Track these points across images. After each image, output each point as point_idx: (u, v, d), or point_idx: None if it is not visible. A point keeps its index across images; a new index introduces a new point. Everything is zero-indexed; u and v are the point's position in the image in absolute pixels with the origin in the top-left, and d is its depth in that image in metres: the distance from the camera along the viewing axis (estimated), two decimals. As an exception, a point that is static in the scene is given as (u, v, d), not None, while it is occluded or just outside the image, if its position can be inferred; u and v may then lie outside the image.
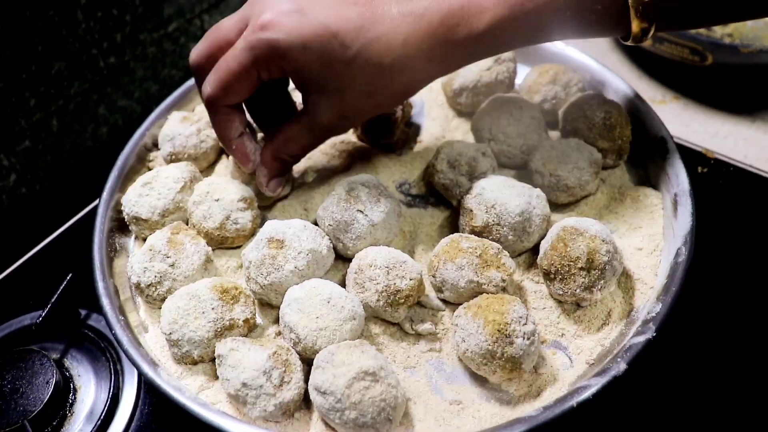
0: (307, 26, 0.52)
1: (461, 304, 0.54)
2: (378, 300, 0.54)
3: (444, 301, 0.58)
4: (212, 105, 0.58)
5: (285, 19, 0.52)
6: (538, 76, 0.71)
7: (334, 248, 0.59)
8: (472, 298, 0.54)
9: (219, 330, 0.53)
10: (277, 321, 0.57)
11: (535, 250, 0.60)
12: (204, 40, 0.58)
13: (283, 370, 0.50)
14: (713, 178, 0.77)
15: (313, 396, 0.49)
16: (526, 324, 0.51)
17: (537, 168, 0.63)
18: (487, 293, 0.54)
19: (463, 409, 0.52)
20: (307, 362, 0.53)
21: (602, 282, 0.54)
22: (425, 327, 0.56)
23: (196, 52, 0.59)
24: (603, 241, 0.54)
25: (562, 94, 0.70)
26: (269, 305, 0.58)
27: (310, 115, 0.57)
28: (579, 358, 0.54)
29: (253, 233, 0.63)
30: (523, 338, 0.50)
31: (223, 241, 0.62)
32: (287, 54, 0.53)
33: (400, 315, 0.55)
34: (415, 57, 0.53)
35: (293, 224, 0.57)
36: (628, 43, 0.55)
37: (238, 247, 0.63)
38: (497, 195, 0.58)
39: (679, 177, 0.61)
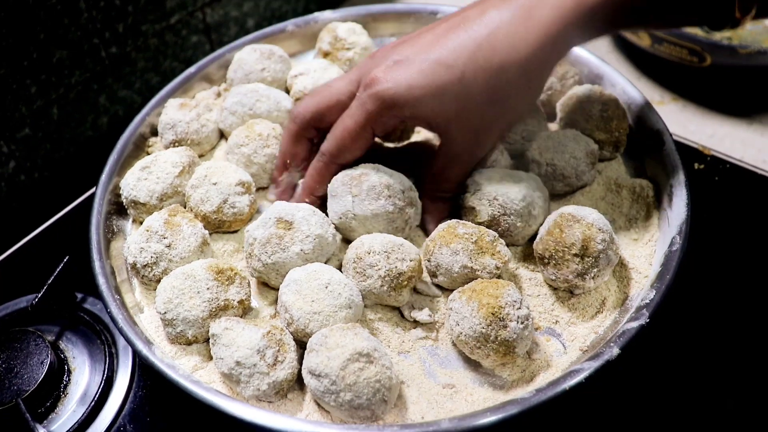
0: (412, 68, 0.54)
1: (455, 289, 0.55)
2: (382, 285, 0.54)
3: (438, 286, 0.58)
4: (331, 162, 0.60)
5: (390, 71, 0.55)
6: None
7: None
8: (466, 284, 0.54)
9: (213, 310, 0.53)
10: (273, 303, 0.57)
11: (533, 238, 0.60)
12: (315, 96, 0.61)
13: (276, 350, 0.50)
14: (710, 174, 0.77)
15: (307, 379, 0.49)
16: (520, 308, 0.51)
17: (533, 157, 0.63)
18: (481, 279, 0.54)
19: (456, 392, 0.52)
20: (300, 344, 0.53)
21: (595, 270, 0.53)
22: (423, 317, 0.56)
23: (304, 106, 0.61)
24: (599, 229, 0.54)
25: (557, 85, 0.70)
26: (267, 287, 0.58)
27: (446, 146, 0.58)
28: (573, 344, 0.54)
29: (250, 218, 0.63)
30: (517, 322, 0.50)
31: (220, 225, 0.62)
32: (397, 100, 0.54)
33: (403, 298, 0.55)
34: (521, 46, 0.53)
35: (302, 207, 0.58)
36: (719, 30, 0.56)
37: (235, 231, 0.63)
38: (496, 187, 0.58)
39: (674, 168, 0.61)
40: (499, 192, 0.58)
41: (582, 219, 0.55)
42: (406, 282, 0.54)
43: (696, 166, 0.78)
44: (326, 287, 0.53)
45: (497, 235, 0.57)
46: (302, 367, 0.50)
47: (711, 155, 0.79)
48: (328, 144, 0.59)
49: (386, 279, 0.54)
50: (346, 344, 0.49)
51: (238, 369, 0.50)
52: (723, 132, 0.91)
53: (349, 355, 0.48)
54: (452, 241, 0.55)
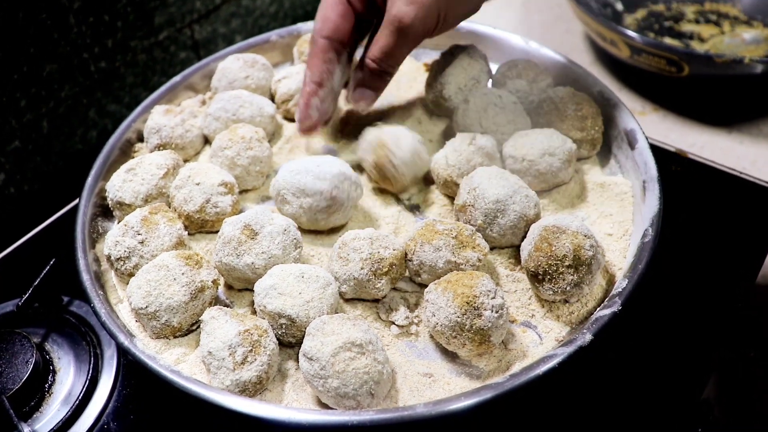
0: None
1: None
2: (362, 269, 0.55)
3: (420, 285, 0.59)
4: (313, 39, 0.63)
5: None
6: (507, 70, 0.73)
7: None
8: None
9: (193, 292, 0.54)
10: None
11: (515, 249, 0.61)
12: (332, 20, 0.64)
13: (248, 349, 0.51)
14: (686, 176, 0.78)
15: (302, 361, 0.50)
16: (494, 297, 0.52)
17: (510, 153, 0.64)
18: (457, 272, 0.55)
19: (434, 381, 0.53)
20: (300, 342, 0.53)
21: (590, 277, 0.54)
22: (400, 320, 0.56)
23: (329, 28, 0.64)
24: (585, 236, 0.54)
25: (527, 87, 0.72)
26: None
27: (388, 14, 0.60)
28: (548, 335, 0.55)
29: None
30: (492, 311, 0.51)
31: (203, 225, 0.63)
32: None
33: (382, 287, 0.56)
34: None
35: (277, 221, 0.58)
36: None
37: (218, 231, 0.64)
38: (482, 180, 0.59)
39: (647, 164, 0.62)
40: (481, 186, 0.59)
41: (567, 229, 0.55)
42: (387, 269, 0.55)
43: (673, 168, 0.79)
44: (302, 277, 0.54)
45: (474, 229, 0.58)
46: (300, 350, 0.51)
47: (687, 158, 0.80)
48: (315, 23, 0.64)
49: (367, 262, 0.55)
50: (341, 332, 0.50)
51: (209, 359, 0.51)
52: (703, 140, 0.93)
53: (341, 343, 0.49)
54: (433, 238, 0.56)
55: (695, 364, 0.61)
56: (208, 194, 0.62)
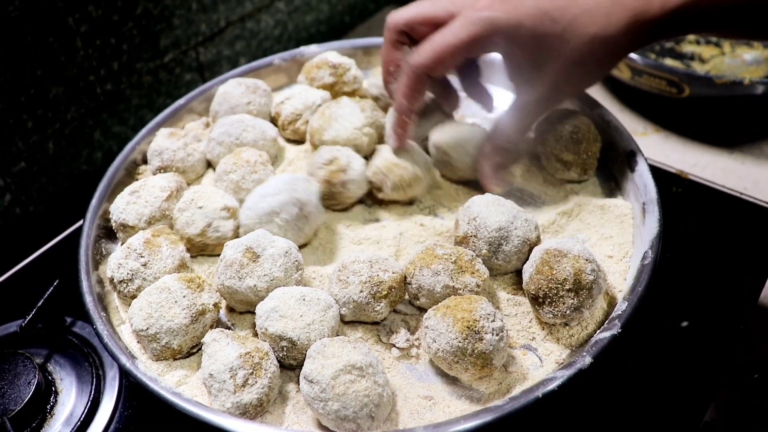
0: (522, 8, 0.58)
1: None
2: (361, 291, 0.55)
3: (419, 308, 0.59)
4: (416, 74, 0.62)
5: (502, 3, 0.58)
6: None
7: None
8: None
9: (194, 315, 0.55)
10: None
11: (516, 273, 0.61)
12: (410, 8, 0.64)
13: (249, 372, 0.51)
14: (687, 197, 0.79)
15: (302, 384, 0.51)
16: (494, 320, 0.52)
17: (434, 141, 0.69)
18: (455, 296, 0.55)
19: (434, 404, 0.53)
20: (301, 365, 0.54)
21: (590, 301, 0.54)
22: (401, 342, 0.57)
23: (399, 14, 0.65)
24: (587, 260, 0.55)
25: None
26: None
27: (521, 96, 0.62)
28: (549, 358, 0.55)
29: None
30: (492, 334, 0.51)
31: (204, 248, 0.64)
32: (505, 30, 0.58)
33: (382, 311, 0.56)
34: (615, 29, 0.56)
35: (278, 244, 0.59)
36: None
37: (218, 255, 0.65)
38: (482, 209, 0.60)
39: (647, 186, 0.63)
40: (481, 215, 0.60)
41: (568, 253, 0.55)
42: (386, 292, 0.56)
43: (674, 189, 0.79)
44: (303, 300, 0.54)
45: (474, 254, 0.58)
46: (300, 373, 0.51)
47: (688, 179, 0.80)
48: (421, 57, 0.61)
49: (366, 285, 0.55)
50: (342, 355, 0.50)
51: (210, 381, 0.51)
52: (705, 161, 0.93)
53: (342, 365, 0.49)
54: (432, 263, 0.56)
55: (697, 386, 0.61)
56: (210, 218, 0.63)
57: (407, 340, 0.57)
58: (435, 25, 0.61)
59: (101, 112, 0.91)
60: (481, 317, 0.51)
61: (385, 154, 0.67)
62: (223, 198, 0.65)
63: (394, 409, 0.52)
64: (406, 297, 0.59)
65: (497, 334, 0.51)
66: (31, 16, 0.78)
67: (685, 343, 0.64)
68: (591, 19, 0.57)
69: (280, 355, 0.54)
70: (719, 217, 0.77)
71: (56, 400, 0.62)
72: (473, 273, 0.56)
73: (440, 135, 0.68)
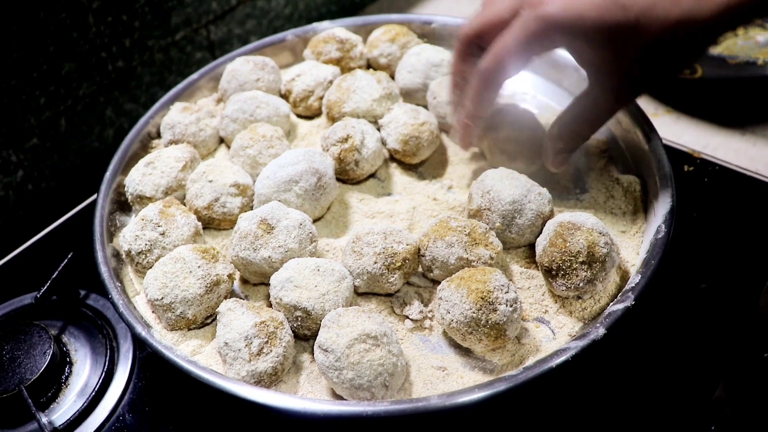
0: (584, 1, 0.52)
1: None
2: (375, 263, 0.56)
3: (433, 281, 0.59)
4: (481, 79, 0.59)
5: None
6: (381, 34, 0.80)
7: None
8: None
9: (209, 285, 0.55)
10: None
11: (530, 247, 0.61)
12: (478, 17, 0.60)
13: (264, 341, 0.51)
14: (699, 176, 0.79)
15: (317, 353, 0.51)
16: (508, 292, 0.52)
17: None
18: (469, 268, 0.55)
19: (447, 375, 0.53)
20: (315, 335, 0.54)
21: (603, 274, 0.54)
22: (414, 314, 0.57)
23: (470, 26, 0.60)
24: (600, 233, 0.55)
25: (398, 53, 0.78)
26: None
27: (592, 90, 0.57)
28: (561, 331, 0.55)
29: None
30: (506, 305, 0.51)
31: (209, 222, 0.64)
32: (564, 25, 0.53)
33: (395, 282, 0.56)
34: (707, 11, 0.50)
35: (292, 216, 0.59)
36: None
37: (225, 229, 0.65)
38: (495, 183, 0.60)
39: (660, 162, 0.63)
40: (494, 188, 0.60)
41: (582, 225, 0.55)
42: (400, 263, 0.56)
43: (686, 168, 0.79)
44: (318, 270, 0.55)
45: (487, 227, 0.58)
46: (315, 342, 0.52)
47: (700, 158, 0.80)
48: (485, 62, 0.58)
49: (380, 256, 0.55)
50: (356, 325, 0.50)
51: (225, 350, 0.52)
52: (716, 142, 0.93)
53: (357, 335, 0.49)
54: (446, 234, 0.56)
55: (708, 362, 0.61)
56: (218, 193, 0.63)
57: (420, 311, 0.57)
58: (502, 27, 0.57)
59: (113, 89, 0.91)
60: (495, 288, 0.52)
61: (403, 120, 0.68)
62: (235, 174, 0.65)
63: (407, 379, 0.53)
64: (420, 270, 0.59)
65: (511, 305, 0.52)
66: (44, -9, 0.78)
67: (696, 319, 0.64)
68: (674, 1, 0.50)
69: (295, 325, 0.54)
70: (731, 195, 0.76)
71: (71, 371, 0.62)
72: (487, 245, 0.56)
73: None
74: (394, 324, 0.57)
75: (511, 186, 0.59)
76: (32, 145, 0.84)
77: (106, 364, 0.63)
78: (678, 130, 0.94)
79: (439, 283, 0.57)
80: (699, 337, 0.63)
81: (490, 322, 0.51)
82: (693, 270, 0.68)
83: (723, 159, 0.89)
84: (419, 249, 0.58)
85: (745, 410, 0.63)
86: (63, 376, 0.62)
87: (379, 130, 0.71)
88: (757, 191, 0.77)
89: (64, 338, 0.65)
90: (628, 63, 0.53)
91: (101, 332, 0.65)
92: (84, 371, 0.63)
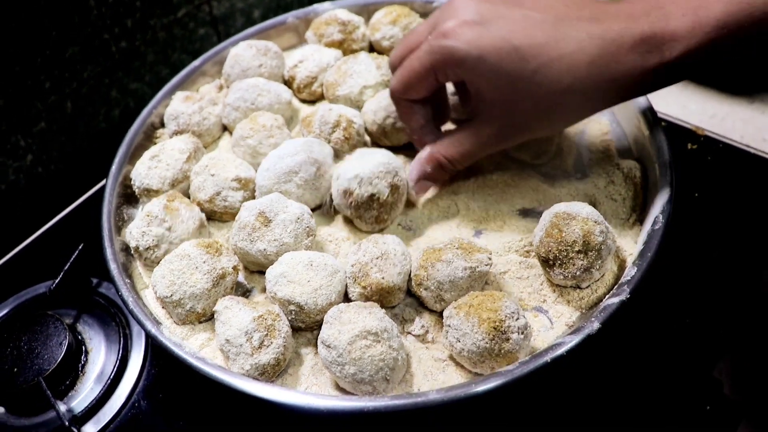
0: (488, 38, 0.53)
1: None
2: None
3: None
4: (395, 98, 0.62)
5: (466, 29, 0.54)
6: (383, 16, 0.79)
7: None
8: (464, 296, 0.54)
9: (215, 279, 0.57)
10: None
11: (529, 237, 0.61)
12: (400, 43, 0.62)
13: (264, 334, 0.53)
14: (703, 154, 0.78)
15: (320, 348, 0.53)
16: (518, 319, 0.52)
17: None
18: (482, 276, 0.56)
19: (447, 366, 0.55)
20: (311, 328, 0.57)
21: (600, 262, 0.55)
22: (417, 330, 0.57)
23: (393, 54, 0.63)
24: (595, 222, 0.55)
25: (400, 35, 0.78)
26: None
27: (477, 124, 0.58)
28: (559, 320, 0.57)
29: None
30: (518, 333, 0.51)
31: (211, 215, 0.66)
32: (464, 62, 0.54)
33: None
34: (598, 80, 0.52)
35: (291, 208, 0.60)
36: None
37: (228, 221, 0.67)
38: (358, 164, 0.62)
39: (660, 149, 0.63)
40: (376, 166, 0.61)
41: (577, 215, 0.55)
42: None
43: (689, 146, 0.79)
44: (311, 265, 0.56)
45: (467, 239, 0.58)
46: (318, 337, 0.53)
47: (704, 135, 0.80)
48: (393, 82, 0.61)
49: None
50: (357, 321, 0.52)
51: (227, 346, 0.53)
52: (724, 112, 0.92)
53: (358, 331, 0.51)
54: (441, 257, 0.56)
55: (706, 344, 0.62)
56: (219, 187, 0.64)
57: (422, 326, 0.57)
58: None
59: (117, 69, 0.91)
60: (506, 317, 0.51)
61: (373, 106, 0.70)
62: (238, 168, 0.66)
63: (408, 371, 0.54)
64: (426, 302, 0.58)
65: (522, 333, 0.52)
66: (44, -24, 0.78)
67: (696, 301, 0.65)
68: (569, 67, 0.52)
69: (290, 318, 0.56)
70: (734, 174, 0.76)
71: (87, 359, 0.65)
72: (479, 251, 0.56)
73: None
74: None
75: (369, 160, 0.61)
76: (40, 129, 0.85)
77: (120, 351, 0.65)
78: (684, 99, 0.94)
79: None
80: (698, 319, 0.64)
81: (503, 351, 0.51)
82: (694, 254, 0.68)
83: (731, 128, 0.88)
84: (418, 284, 0.57)
85: (743, 389, 0.65)
86: (79, 365, 0.64)
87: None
88: (762, 169, 0.76)
89: (79, 327, 0.67)
90: (520, 113, 0.55)
91: (114, 320, 0.67)
92: (99, 359, 0.65)
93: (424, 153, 0.62)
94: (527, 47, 0.52)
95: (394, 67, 0.63)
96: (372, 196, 0.60)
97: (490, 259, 0.56)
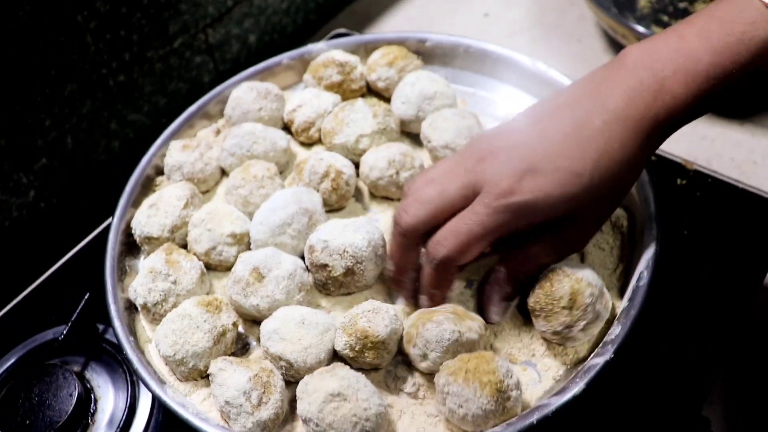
0: (545, 178, 0.55)
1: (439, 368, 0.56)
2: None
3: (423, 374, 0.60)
4: (445, 265, 0.59)
5: (525, 181, 0.56)
6: (380, 57, 0.81)
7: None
8: (452, 360, 0.56)
9: (216, 337, 0.60)
10: None
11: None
12: (425, 205, 0.59)
13: (262, 392, 0.56)
14: (692, 190, 0.80)
15: (301, 422, 0.56)
16: (512, 376, 0.55)
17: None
18: (470, 342, 0.57)
19: (439, 421, 0.57)
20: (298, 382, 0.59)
21: (583, 323, 0.56)
22: (408, 388, 0.59)
23: (415, 216, 0.59)
24: (588, 284, 0.57)
25: (395, 77, 0.79)
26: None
27: (558, 235, 0.59)
28: (547, 374, 0.59)
29: None
30: (516, 390, 0.54)
31: (208, 266, 0.68)
32: (537, 209, 0.56)
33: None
34: (633, 154, 0.56)
35: (285, 264, 0.63)
36: None
37: (224, 271, 0.69)
38: (342, 240, 0.63)
39: (647, 200, 0.64)
40: (347, 243, 0.62)
41: (572, 274, 0.57)
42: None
43: (678, 181, 0.80)
44: (303, 323, 0.59)
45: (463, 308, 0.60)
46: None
47: (694, 170, 0.81)
48: (446, 249, 0.58)
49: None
50: (321, 387, 0.54)
51: (227, 407, 0.56)
52: (714, 133, 0.93)
53: (323, 397, 0.53)
54: (432, 317, 0.57)
55: (698, 380, 0.64)
56: (215, 242, 0.67)
57: (413, 384, 0.59)
58: (453, 213, 0.58)
59: (115, 102, 0.92)
60: (504, 376, 0.53)
61: (371, 161, 0.72)
62: (233, 224, 0.68)
63: (401, 427, 0.57)
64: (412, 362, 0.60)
65: (518, 389, 0.54)
66: (41, 18, 0.78)
67: (687, 339, 0.67)
68: (610, 158, 0.55)
69: (281, 372, 0.59)
70: (724, 210, 0.77)
71: (96, 407, 0.67)
72: (473, 319, 0.58)
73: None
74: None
75: (352, 233, 0.63)
76: (41, 165, 0.87)
77: (129, 397, 0.67)
78: (676, 119, 0.95)
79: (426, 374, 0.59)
80: (688, 359, 0.66)
81: (506, 409, 0.53)
82: (681, 290, 0.70)
83: (720, 152, 0.90)
84: (409, 342, 0.59)
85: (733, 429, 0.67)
86: (89, 413, 0.67)
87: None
88: (752, 205, 0.77)
89: (87, 374, 0.70)
90: (593, 212, 0.59)
91: (121, 366, 0.70)
92: (108, 406, 0.68)
93: (500, 276, 0.61)
94: (575, 162, 0.55)
95: (414, 231, 0.60)
96: (326, 266, 0.63)
97: (480, 329, 0.58)
